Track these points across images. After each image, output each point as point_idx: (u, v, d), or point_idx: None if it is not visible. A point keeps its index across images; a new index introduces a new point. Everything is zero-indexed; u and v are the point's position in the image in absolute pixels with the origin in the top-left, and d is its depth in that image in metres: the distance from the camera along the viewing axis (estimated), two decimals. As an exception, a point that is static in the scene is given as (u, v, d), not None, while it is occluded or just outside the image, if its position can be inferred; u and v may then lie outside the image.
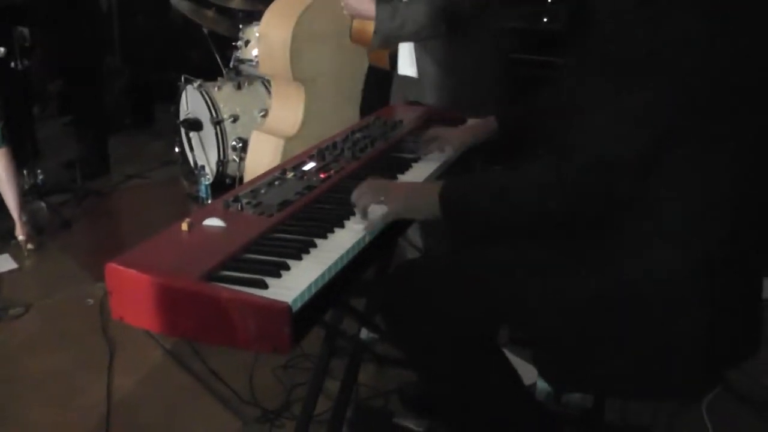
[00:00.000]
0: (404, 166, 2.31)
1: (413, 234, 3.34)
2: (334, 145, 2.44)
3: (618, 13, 1.62)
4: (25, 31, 5.01)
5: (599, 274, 1.73)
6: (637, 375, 1.76)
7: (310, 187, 2.07)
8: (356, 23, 3.32)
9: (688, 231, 1.67)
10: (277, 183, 2.11)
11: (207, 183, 4.84)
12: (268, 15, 4.14)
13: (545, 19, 4.11)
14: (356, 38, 3.38)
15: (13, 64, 4.81)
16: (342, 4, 3.13)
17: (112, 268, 1.61)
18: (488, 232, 1.93)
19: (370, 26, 3.21)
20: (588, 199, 1.66)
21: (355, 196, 1.91)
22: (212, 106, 4.97)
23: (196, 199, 5.00)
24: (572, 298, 1.76)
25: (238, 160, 4.87)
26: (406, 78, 3.26)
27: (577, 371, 1.83)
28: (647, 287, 1.69)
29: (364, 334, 2.58)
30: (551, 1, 4.13)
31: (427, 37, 2.99)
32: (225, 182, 5.04)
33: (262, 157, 4.16)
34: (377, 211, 1.87)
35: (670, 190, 1.65)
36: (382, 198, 1.87)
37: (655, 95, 1.57)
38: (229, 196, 1.99)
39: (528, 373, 2.05)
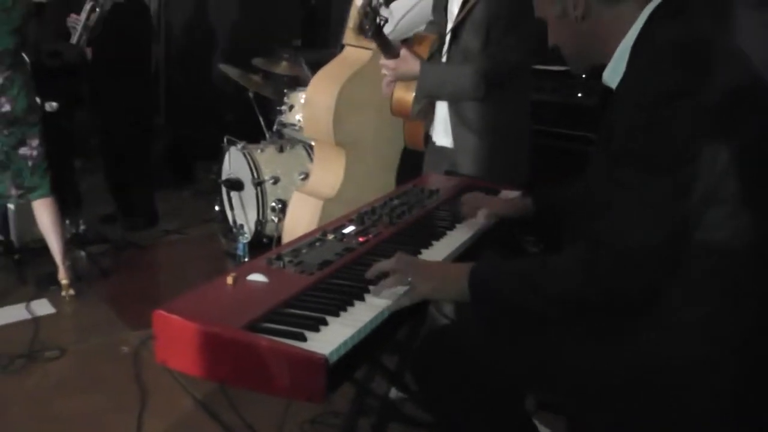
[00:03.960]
0: (439, 234, 2.40)
1: (446, 305, 3.40)
2: (373, 210, 2.54)
3: (637, 108, 1.70)
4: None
5: (629, 348, 1.78)
6: None
7: (349, 249, 2.17)
8: (397, 94, 3.43)
9: (718, 314, 1.72)
10: (317, 244, 2.21)
11: (245, 241, 4.94)
12: (315, 81, 4.28)
13: (579, 94, 4.20)
14: (396, 109, 3.49)
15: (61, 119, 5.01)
16: (385, 72, 3.23)
17: (160, 314, 1.71)
18: (517, 320, 1.94)
19: (410, 97, 3.33)
20: (616, 290, 1.71)
21: (375, 270, 1.95)
22: (254, 167, 5.10)
23: (233, 256, 5.10)
24: (600, 370, 1.81)
25: (276, 220, 4.97)
26: (441, 148, 3.36)
27: None
28: (674, 365, 1.74)
29: (394, 393, 2.64)
30: (585, 77, 4.21)
31: (464, 99, 3.09)
32: (262, 241, 5.13)
33: (301, 216, 4.27)
34: (400, 291, 1.90)
35: (700, 274, 1.70)
36: (410, 279, 1.90)
37: (676, 187, 1.65)
38: (272, 254, 2.10)
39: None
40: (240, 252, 4.95)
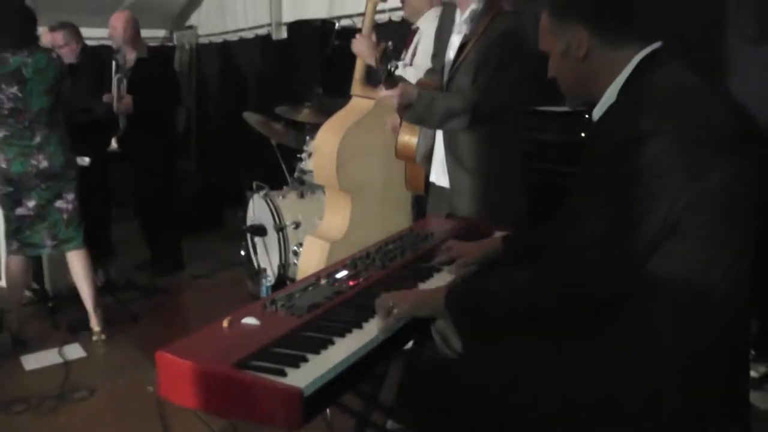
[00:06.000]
0: (425, 276, 2.58)
1: (452, 337, 3.55)
2: (368, 254, 2.74)
3: (611, 141, 1.87)
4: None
5: (588, 369, 1.94)
6: None
7: (338, 293, 2.37)
8: (401, 139, 3.64)
9: (672, 327, 1.87)
10: (310, 288, 2.42)
11: (269, 284, 5.13)
12: (322, 130, 4.49)
13: (583, 134, 4.30)
14: (401, 153, 3.69)
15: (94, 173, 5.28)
16: (390, 101, 3.35)
17: (161, 355, 1.96)
18: (489, 330, 2.13)
19: (414, 141, 3.55)
20: (568, 299, 1.91)
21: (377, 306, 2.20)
22: (276, 213, 5.32)
23: (258, 299, 5.25)
24: (567, 392, 1.96)
25: (298, 263, 5.11)
26: (441, 189, 3.56)
27: None
28: (631, 382, 1.89)
29: (390, 424, 2.82)
30: (588, 118, 4.32)
31: (452, 125, 3.28)
32: (285, 284, 5.27)
33: (311, 259, 4.46)
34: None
35: (654, 289, 1.86)
36: (391, 303, 2.15)
37: (630, 215, 1.81)
38: (268, 299, 2.31)
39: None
40: (264, 295, 5.12)
